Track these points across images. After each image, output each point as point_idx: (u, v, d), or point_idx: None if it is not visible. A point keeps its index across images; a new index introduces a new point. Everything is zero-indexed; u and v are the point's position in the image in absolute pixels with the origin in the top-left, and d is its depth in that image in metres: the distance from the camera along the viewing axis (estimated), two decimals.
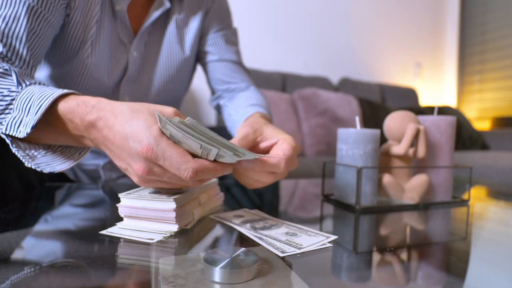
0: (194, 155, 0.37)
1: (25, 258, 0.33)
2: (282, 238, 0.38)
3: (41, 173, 0.71)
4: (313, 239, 0.38)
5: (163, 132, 0.36)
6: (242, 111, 0.73)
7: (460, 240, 0.44)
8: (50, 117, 0.43)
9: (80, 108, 0.41)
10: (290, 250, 0.34)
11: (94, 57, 0.67)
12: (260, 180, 0.45)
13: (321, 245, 0.36)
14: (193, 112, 2.12)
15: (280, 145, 0.46)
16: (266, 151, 0.48)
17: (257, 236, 0.38)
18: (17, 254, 0.34)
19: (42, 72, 0.70)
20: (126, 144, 0.37)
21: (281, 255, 0.33)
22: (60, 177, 0.79)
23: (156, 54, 0.75)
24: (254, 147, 0.49)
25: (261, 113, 0.68)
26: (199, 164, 0.36)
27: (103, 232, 0.39)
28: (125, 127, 0.37)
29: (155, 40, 0.75)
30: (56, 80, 0.69)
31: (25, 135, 0.42)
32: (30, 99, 0.43)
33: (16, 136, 0.43)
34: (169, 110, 0.39)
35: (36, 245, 0.37)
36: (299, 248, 0.35)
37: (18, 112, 0.44)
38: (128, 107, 0.39)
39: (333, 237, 0.39)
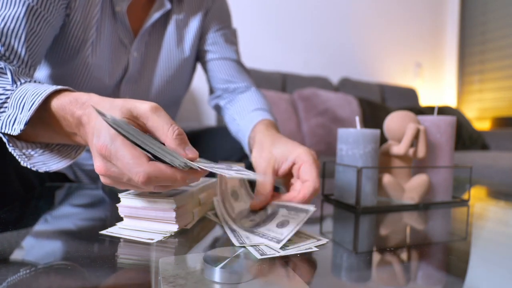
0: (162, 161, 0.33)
1: (25, 258, 0.33)
2: (271, 234, 0.37)
3: (41, 173, 0.71)
4: (302, 240, 0.37)
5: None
6: (247, 117, 0.72)
7: (460, 240, 0.44)
8: (44, 114, 0.43)
9: (71, 105, 0.40)
10: (270, 253, 0.33)
11: (95, 57, 0.67)
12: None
13: (306, 249, 0.35)
14: (193, 112, 2.12)
15: (306, 173, 0.46)
16: (288, 173, 0.49)
17: (244, 235, 0.38)
18: (17, 254, 0.34)
19: (42, 72, 0.70)
20: (91, 140, 0.35)
21: (260, 257, 0.32)
22: (60, 177, 0.79)
23: (156, 55, 0.75)
24: (277, 175, 0.49)
25: (267, 121, 0.67)
26: (153, 168, 0.32)
27: (103, 232, 0.39)
28: (95, 123, 0.35)
29: (155, 41, 0.75)
30: (57, 80, 0.69)
31: (19, 132, 0.42)
32: (24, 96, 0.43)
33: (11, 133, 0.43)
34: (145, 105, 0.36)
35: (36, 245, 0.37)
36: (283, 250, 0.34)
37: (13, 110, 0.44)
38: (109, 103, 0.37)
39: (324, 241, 0.38)
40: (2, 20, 0.52)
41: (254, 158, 0.52)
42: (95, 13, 0.65)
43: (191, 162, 0.33)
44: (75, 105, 0.40)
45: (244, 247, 0.35)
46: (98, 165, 0.35)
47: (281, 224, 0.37)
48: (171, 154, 0.33)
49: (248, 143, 0.68)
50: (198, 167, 0.33)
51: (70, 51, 0.65)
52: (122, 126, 0.31)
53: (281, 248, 0.34)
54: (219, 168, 0.35)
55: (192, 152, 0.35)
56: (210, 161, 0.38)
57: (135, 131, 0.32)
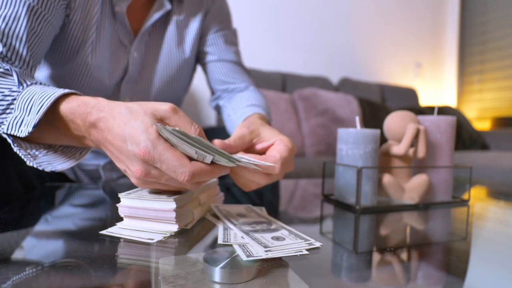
0: (191, 158, 0.37)
1: (25, 258, 0.33)
2: (262, 240, 0.36)
3: (41, 173, 0.71)
4: (292, 244, 0.36)
5: (160, 135, 0.36)
6: (241, 111, 0.73)
7: (460, 240, 0.44)
8: (52, 117, 0.43)
9: (80, 109, 0.41)
10: (257, 255, 0.32)
11: (95, 57, 0.67)
12: (255, 181, 0.44)
13: (295, 252, 0.34)
14: (193, 112, 2.12)
15: (276, 146, 0.46)
16: (262, 152, 0.48)
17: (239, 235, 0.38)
18: (17, 254, 0.34)
19: (42, 72, 0.70)
20: (124, 146, 0.37)
21: (245, 258, 0.31)
22: (60, 177, 0.79)
23: (156, 55, 0.75)
24: (250, 147, 0.48)
25: (259, 114, 0.68)
26: (195, 167, 0.36)
27: (103, 232, 0.39)
28: (123, 129, 0.37)
29: (155, 41, 0.75)
30: (56, 80, 0.69)
31: (26, 134, 0.42)
32: (32, 98, 0.43)
33: (18, 135, 0.44)
34: (165, 107, 0.38)
35: (36, 245, 0.37)
36: (270, 252, 0.33)
37: (20, 112, 0.44)
38: (126, 108, 0.38)
39: (317, 244, 0.36)
40: (3, 20, 0.52)
41: (236, 130, 0.50)
42: (95, 13, 0.65)
43: (239, 159, 0.38)
44: (84, 109, 0.41)
45: (227, 245, 0.35)
46: (138, 169, 0.36)
47: (276, 239, 0.37)
48: (226, 155, 0.37)
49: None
50: (242, 162, 0.38)
51: (70, 52, 0.65)
52: (178, 131, 0.35)
53: (267, 250, 0.33)
54: (249, 161, 0.39)
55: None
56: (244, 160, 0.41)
57: (187, 134, 0.36)
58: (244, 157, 0.42)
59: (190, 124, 0.39)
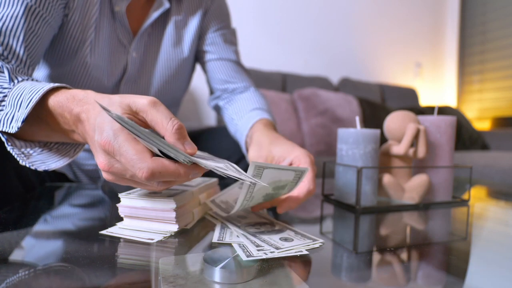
0: (155, 154, 0.33)
1: (25, 258, 0.33)
2: (271, 242, 0.36)
3: (41, 173, 0.71)
4: (296, 242, 0.36)
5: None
6: (246, 117, 0.72)
7: (460, 240, 0.44)
8: (42, 112, 0.43)
9: (69, 102, 0.40)
10: (257, 255, 0.32)
11: (94, 57, 0.67)
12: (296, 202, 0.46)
13: (295, 252, 0.34)
14: (193, 112, 2.12)
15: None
16: None
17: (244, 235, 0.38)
18: (17, 254, 0.34)
19: (41, 72, 0.70)
20: (93, 136, 0.35)
21: (245, 258, 0.31)
22: (60, 177, 0.79)
23: (155, 55, 0.75)
24: None
25: (265, 120, 0.68)
26: (157, 164, 0.32)
27: (103, 232, 0.39)
28: (96, 119, 0.35)
29: (154, 41, 0.75)
30: (55, 80, 0.69)
31: (16, 129, 0.42)
32: (21, 94, 0.43)
33: (9, 131, 0.43)
34: (143, 100, 0.35)
35: (36, 245, 0.37)
36: (271, 252, 0.33)
37: (11, 108, 0.44)
38: (108, 100, 0.37)
39: (316, 244, 0.36)
40: (1, 19, 0.52)
41: (252, 157, 0.52)
42: (94, 13, 0.64)
43: (196, 159, 0.33)
44: (72, 102, 0.40)
45: (222, 244, 0.35)
46: (101, 161, 0.34)
47: (285, 239, 0.37)
48: (175, 149, 0.32)
49: (245, 142, 0.68)
50: (202, 164, 0.33)
51: (69, 51, 0.65)
52: (126, 121, 0.31)
53: (280, 251, 0.33)
54: (221, 169, 0.34)
55: (191, 147, 0.35)
56: (211, 155, 0.38)
57: (138, 127, 0.32)
58: (210, 161, 0.36)
59: (168, 118, 0.34)
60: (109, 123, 0.33)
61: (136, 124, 0.32)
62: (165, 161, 0.32)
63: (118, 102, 0.36)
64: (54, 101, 0.41)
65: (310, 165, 0.46)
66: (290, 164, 0.48)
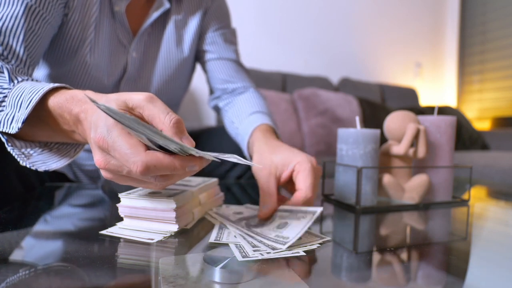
0: (150, 148, 0.33)
1: (25, 258, 0.33)
2: (271, 235, 0.37)
3: (41, 173, 0.71)
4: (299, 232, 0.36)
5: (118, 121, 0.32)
6: (246, 121, 0.72)
7: (460, 240, 0.44)
8: (42, 113, 0.43)
9: (68, 102, 0.40)
10: (253, 255, 0.32)
11: (93, 57, 0.67)
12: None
13: (292, 254, 0.33)
14: (193, 112, 2.12)
15: (299, 175, 0.47)
16: (289, 180, 0.50)
17: (243, 234, 0.38)
18: (17, 254, 0.34)
19: (41, 72, 0.70)
20: (89, 134, 0.35)
21: (241, 259, 0.31)
22: (60, 177, 0.79)
23: (155, 55, 0.75)
24: (279, 183, 0.50)
25: (264, 126, 0.67)
26: (150, 157, 0.31)
27: (103, 232, 0.39)
28: (92, 117, 0.35)
29: (154, 41, 0.75)
30: (55, 80, 0.69)
31: (16, 130, 0.42)
32: (22, 94, 0.43)
33: (9, 132, 0.43)
34: (140, 96, 0.35)
35: (36, 245, 0.37)
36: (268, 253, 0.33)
37: (11, 109, 0.44)
38: (105, 98, 0.36)
39: (315, 245, 0.36)
40: (1, 19, 0.52)
41: (255, 168, 0.52)
42: (93, 13, 0.64)
43: (187, 146, 0.31)
44: (71, 102, 0.40)
45: (219, 244, 0.35)
46: (98, 159, 0.34)
47: (282, 226, 0.37)
48: (165, 137, 0.31)
49: (247, 148, 0.68)
50: (195, 151, 0.32)
51: (69, 51, 0.65)
52: (116, 112, 0.30)
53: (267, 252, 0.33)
54: (214, 155, 0.33)
55: (189, 141, 0.34)
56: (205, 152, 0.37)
57: (130, 118, 0.30)
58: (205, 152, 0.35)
59: (165, 113, 0.34)
60: (103, 119, 0.33)
61: (129, 116, 0.31)
62: (159, 154, 0.32)
63: (114, 99, 0.35)
64: (53, 102, 0.41)
65: (310, 170, 0.47)
66: (292, 171, 0.49)
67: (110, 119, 0.32)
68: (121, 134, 0.32)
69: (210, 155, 0.33)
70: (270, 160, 0.51)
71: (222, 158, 0.33)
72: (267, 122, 0.69)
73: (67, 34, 0.64)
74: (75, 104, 0.39)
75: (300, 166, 0.48)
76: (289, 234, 0.36)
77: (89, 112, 0.37)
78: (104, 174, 0.36)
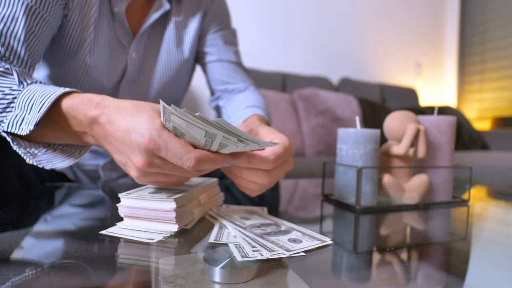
0: (195, 147, 0.38)
1: (25, 258, 0.33)
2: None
3: (41, 173, 0.71)
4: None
5: (165, 126, 0.37)
6: (240, 113, 0.73)
7: (460, 240, 0.44)
8: (53, 114, 0.43)
9: (84, 104, 0.42)
10: (253, 256, 0.31)
11: (93, 58, 0.67)
12: (256, 181, 0.44)
13: (292, 254, 0.33)
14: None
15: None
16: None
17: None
18: (17, 254, 0.34)
19: (41, 72, 0.70)
20: (127, 137, 0.37)
21: (240, 259, 0.30)
22: (60, 177, 0.79)
23: (155, 56, 0.75)
24: None
25: (258, 115, 0.68)
26: (200, 154, 0.37)
27: (103, 232, 0.39)
28: (128, 120, 0.38)
29: (154, 42, 0.75)
30: (55, 80, 0.69)
31: (27, 132, 0.43)
32: (32, 97, 0.44)
33: (18, 133, 0.44)
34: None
35: (36, 245, 0.37)
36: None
37: (20, 110, 0.44)
38: (133, 103, 0.40)
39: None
40: (1, 20, 0.52)
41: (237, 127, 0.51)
42: (93, 14, 0.65)
43: (255, 137, 0.37)
44: (88, 104, 0.42)
45: (218, 244, 0.35)
46: (140, 159, 0.37)
47: (293, 241, 0.37)
48: (236, 134, 0.36)
49: None
50: (258, 141, 0.37)
51: (68, 52, 0.65)
52: (192, 114, 0.34)
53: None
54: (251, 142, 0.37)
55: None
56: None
57: (194, 116, 0.35)
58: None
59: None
60: (148, 124, 0.36)
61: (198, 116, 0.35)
62: (206, 151, 0.37)
63: (149, 106, 0.40)
64: (68, 103, 0.43)
65: (288, 145, 0.46)
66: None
67: (158, 123, 0.37)
68: (171, 136, 0.36)
69: (257, 142, 0.38)
70: (255, 128, 0.51)
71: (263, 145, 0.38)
72: (260, 113, 0.70)
73: (67, 35, 0.64)
74: (94, 107, 0.41)
75: (280, 140, 0.47)
76: (296, 247, 0.36)
77: (114, 115, 0.39)
78: (135, 174, 0.39)
